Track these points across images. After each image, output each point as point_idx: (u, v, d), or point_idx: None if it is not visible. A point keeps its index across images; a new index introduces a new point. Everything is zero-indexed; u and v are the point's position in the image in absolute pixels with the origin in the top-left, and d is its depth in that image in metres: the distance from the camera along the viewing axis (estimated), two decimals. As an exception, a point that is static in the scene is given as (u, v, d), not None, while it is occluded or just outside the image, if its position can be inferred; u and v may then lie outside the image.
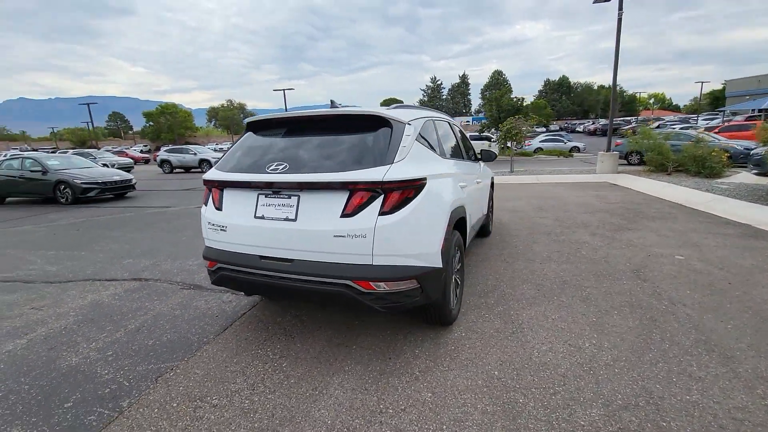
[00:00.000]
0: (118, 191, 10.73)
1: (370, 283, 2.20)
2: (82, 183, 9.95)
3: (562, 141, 25.54)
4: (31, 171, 10.22)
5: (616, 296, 3.41)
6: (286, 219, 2.32)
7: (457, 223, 3.09)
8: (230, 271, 2.55)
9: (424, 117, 2.92)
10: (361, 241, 2.17)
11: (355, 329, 2.97)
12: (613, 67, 12.06)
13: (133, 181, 11.28)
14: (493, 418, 2.00)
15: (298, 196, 2.32)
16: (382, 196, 2.20)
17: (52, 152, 23.67)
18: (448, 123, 3.89)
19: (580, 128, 48.10)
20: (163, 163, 22.59)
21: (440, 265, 2.50)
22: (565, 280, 3.80)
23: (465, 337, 2.82)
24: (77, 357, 2.68)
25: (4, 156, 14.76)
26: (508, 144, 13.66)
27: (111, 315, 3.33)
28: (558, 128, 45.06)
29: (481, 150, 4.88)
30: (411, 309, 2.47)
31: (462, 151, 3.93)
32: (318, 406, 2.13)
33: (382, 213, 2.18)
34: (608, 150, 12.52)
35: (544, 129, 40.00)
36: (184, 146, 24.35)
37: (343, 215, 2.20)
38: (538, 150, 24.69)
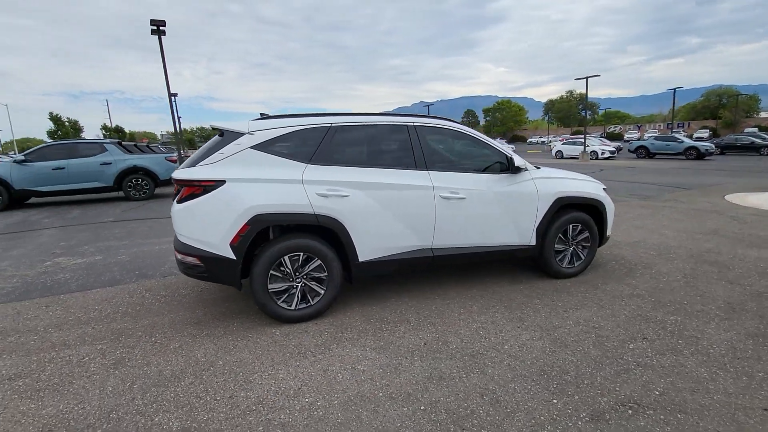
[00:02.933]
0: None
1: (176, 252, 3.04)
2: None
3: None
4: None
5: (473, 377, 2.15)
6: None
7: (313, 228, 3.09)
8: None
9: (291, 126, 3.09)
10: (172, 220, 3.04)
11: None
12: None
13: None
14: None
15: None
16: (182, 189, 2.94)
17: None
18: (408, 128, 3.40)
19: None
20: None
21: (230, 256, 2.87)
22: (475, 351, 2.63)
23: (263, 340, 2.92)
24: (129, 263, 5.05)
25: None
26: None
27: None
28: None
29: (508, 159, 3.61)
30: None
31: (412, 158, 3.35)
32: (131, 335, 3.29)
33: (178, 201, 2.94)
34: None
35: None
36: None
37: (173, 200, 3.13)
38: None
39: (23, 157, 9.34)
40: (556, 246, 3.87)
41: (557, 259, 3.92)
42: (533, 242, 3.77)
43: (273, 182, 2.97)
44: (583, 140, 23.89)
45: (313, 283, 3.15)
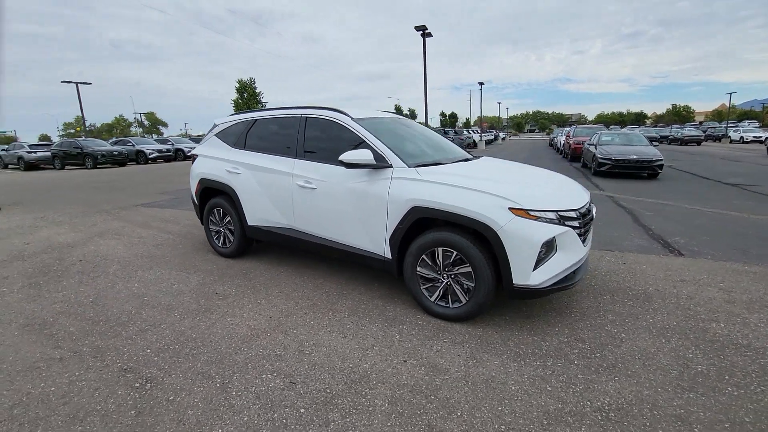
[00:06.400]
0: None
1: (193, 195, 5.15)
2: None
3: None
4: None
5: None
6: None
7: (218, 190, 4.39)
8: None
9: (234, 121, 4.37)
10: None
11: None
12: None
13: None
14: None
15: None
16: (194, 158, 4.94)
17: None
18: (296, 119, 3.81)
19: None
20: None
21: (196, 201, 4.66)
22: (206, 308, 3.13)
23: (179, 260, 4.51)
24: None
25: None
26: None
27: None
28: None
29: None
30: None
31: (293, 147, 3.73)
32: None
33: (192, 165, 4.97)
34: None
35: None
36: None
37: None
38: None
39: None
40: (419, 270, 3.03)
41: (424, 289, 3.04)
42: (389, 255, 3.18)
43: (213, 159, 4.45)
44: None
45: (229, 233, 4.43)
